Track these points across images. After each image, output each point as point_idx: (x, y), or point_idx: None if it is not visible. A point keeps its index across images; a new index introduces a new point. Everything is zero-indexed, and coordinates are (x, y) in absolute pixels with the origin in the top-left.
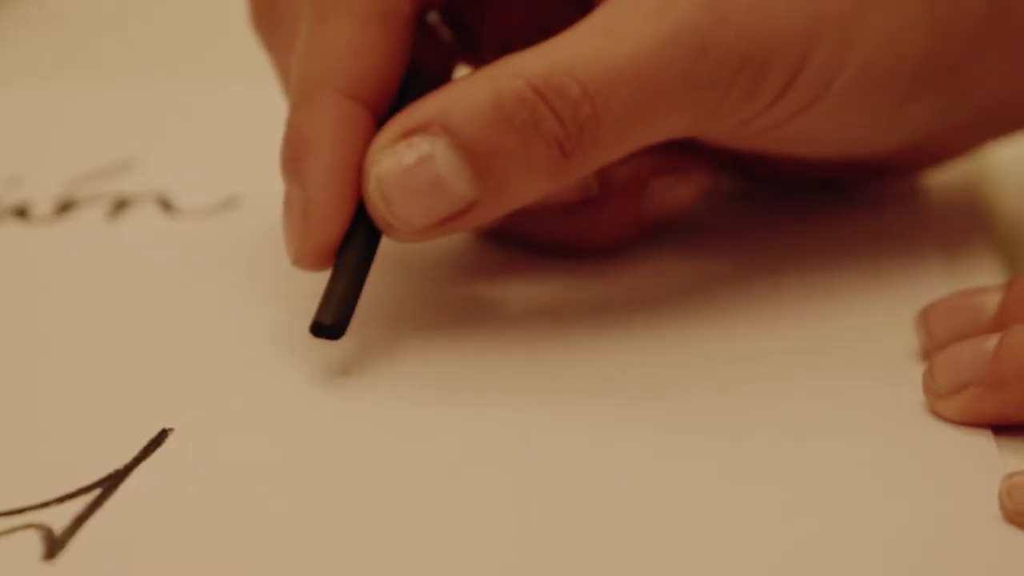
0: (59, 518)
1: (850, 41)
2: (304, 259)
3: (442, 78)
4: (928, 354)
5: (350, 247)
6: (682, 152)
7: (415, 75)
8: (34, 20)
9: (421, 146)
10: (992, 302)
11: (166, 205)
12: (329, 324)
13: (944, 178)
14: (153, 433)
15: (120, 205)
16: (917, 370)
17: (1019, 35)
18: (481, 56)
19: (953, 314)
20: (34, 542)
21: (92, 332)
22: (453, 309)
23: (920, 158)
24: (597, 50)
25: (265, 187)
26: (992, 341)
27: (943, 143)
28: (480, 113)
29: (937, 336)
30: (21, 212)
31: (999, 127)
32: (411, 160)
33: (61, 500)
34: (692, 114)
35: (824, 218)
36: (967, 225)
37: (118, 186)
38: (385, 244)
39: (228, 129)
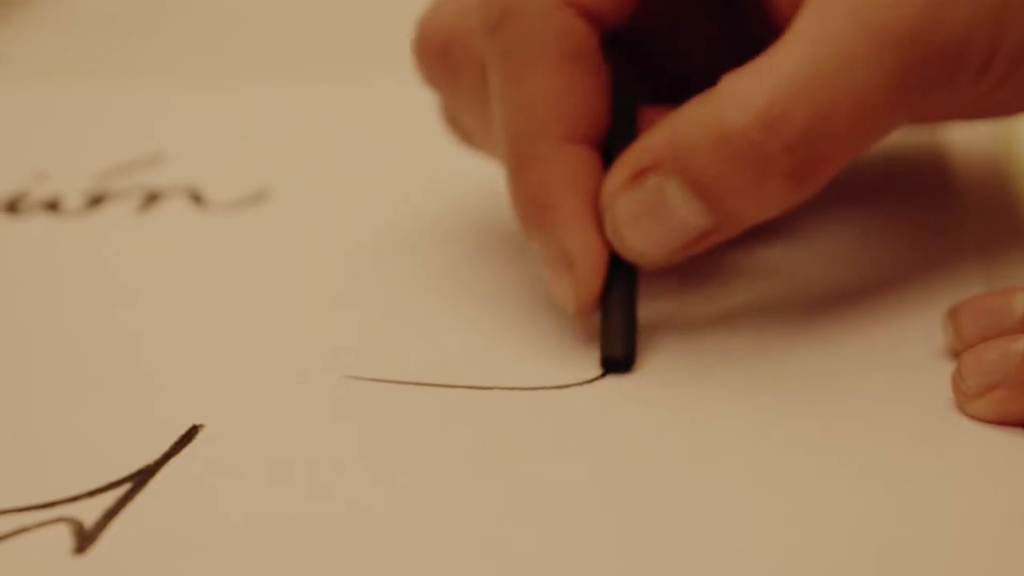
0: (90, 512)
1: None
2: (581, 309)
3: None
4: (957, 354)
5: (615, 282)
6: None
7: (621, 96)
8: (63, 16)
9: (653, 185)
10: (1021, 302)
11: (197, 198)
12: (621, 356)
13: (980, 171)
14: (183, 428)
15: (151, 198)
16: (947, 367)
17: None
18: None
19: (982, 314)
20: (65, 536)
21: (123, 326)
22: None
23: None
24: (812, 65)
25: (294, 181)
26: (1021, 342)
27: None
28: (708, 151)
29: (966, 336)
30: (52, 205)
31: None
32: (645, 200)
33: (92, 494)
34: (908, 109)
35: (858, 213)
36: (1004, 220)
37: (148, 180)
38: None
39: (257, 124)
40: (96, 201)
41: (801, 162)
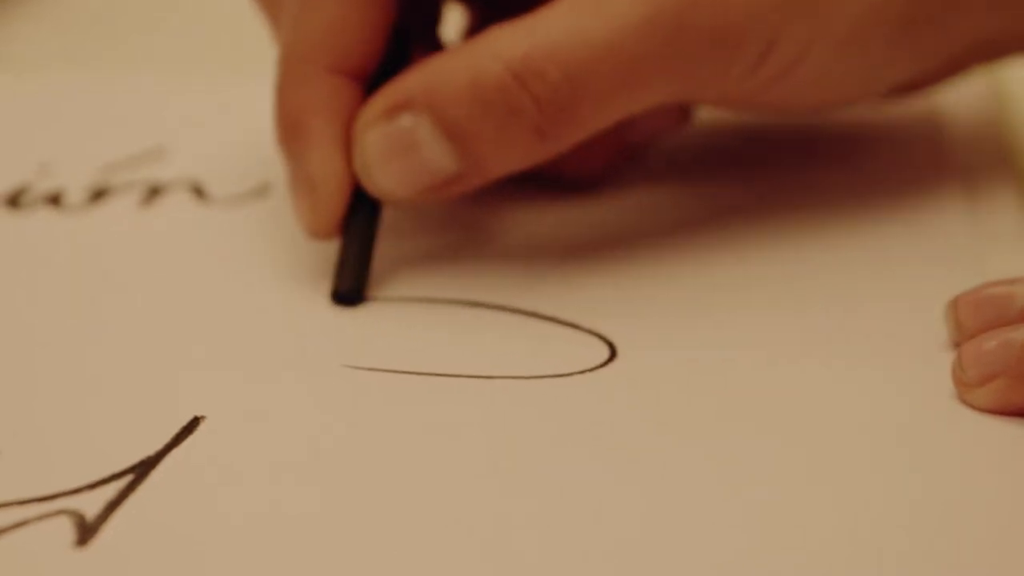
0: (91, 504)
1: (820, 16)
2: (318, 232)
3: (438, 43)
4: (957, 344)
5: (356, 215)
6: None
7: (400, 37)
8: (64, 9)
9: (404, 121)
10: (1021, 292)
11: (199, 192)
12: (347, 290)
13: (965, 115)
14: (185, 420)
15: (153, 192)
16: (948, 357)
17: None
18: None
19: (982, 304)
20: (66, 528)
21: (125, 318)
22: (461, 255)
23: (907, 92)
24: (578, 29)
25: None
26: (1021, 331)
27: (928, 79)
28: (460, 94)
29: (966, 326)
30: (54, 199)
31: (982, 60)
32: (394, 134)
33: (93, 486)
34: (669, 88)
35: (855, 203)
36: (989, 166)
37: (151, 174)
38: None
39: (259, 117)
40: (98, 195)
41: (549, 118)
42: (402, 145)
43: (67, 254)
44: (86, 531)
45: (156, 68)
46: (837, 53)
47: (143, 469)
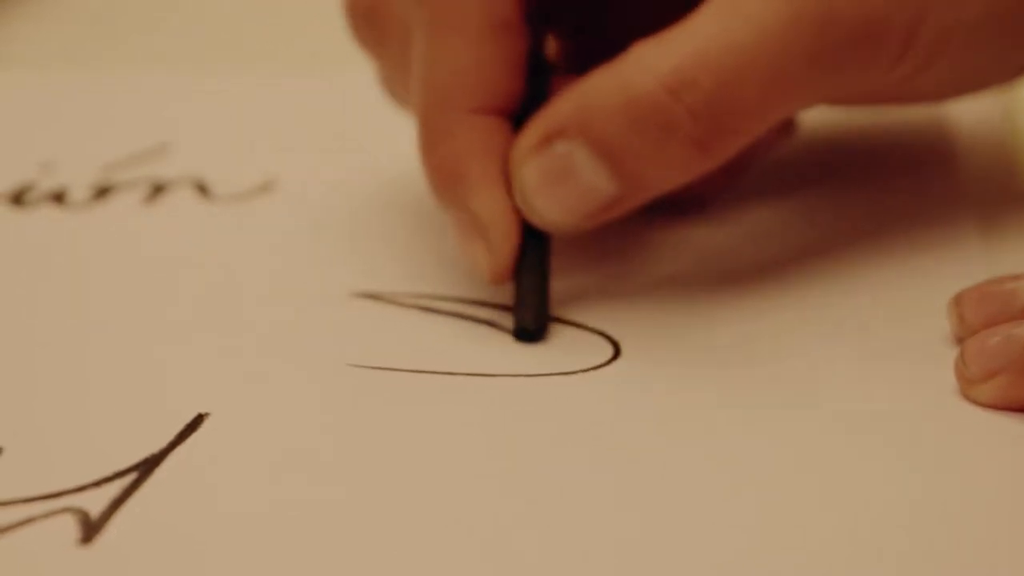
0: (96, 502)
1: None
2: (496, 276)
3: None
4: (961, 340)
5: (527, 251)
6: None
7: (538, 67)
8: (66, 7)
9: (560, 149)
10: None
11: (202, 190)
12: (534, 328)
13: (981, 144)
14: (189, 418)
15: (157, 190)
16: (951, 353)
17: None
18: (585, 47)
19: (985, 300)
20: (71, 526)
21: (129, 316)
22: None
23: None
24: (725, 36)
25: (300, 172)
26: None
27: None
28: (614, 115)
29: (969, 322)
30: (58, 197)
31: None
32: (552, 164)
33: (98, 484)
34: (821, 87)
35: (859, 194)
36: (1007, 200)
37: (154, 171)
38: None
39: (263, 114)
40: (102, 193)
41: (706, 129)
42: (560, 173)
43: (71, 252)
44: (90, 529)
45: (159, 66)
46: (976, 37)
47: (147, 467)
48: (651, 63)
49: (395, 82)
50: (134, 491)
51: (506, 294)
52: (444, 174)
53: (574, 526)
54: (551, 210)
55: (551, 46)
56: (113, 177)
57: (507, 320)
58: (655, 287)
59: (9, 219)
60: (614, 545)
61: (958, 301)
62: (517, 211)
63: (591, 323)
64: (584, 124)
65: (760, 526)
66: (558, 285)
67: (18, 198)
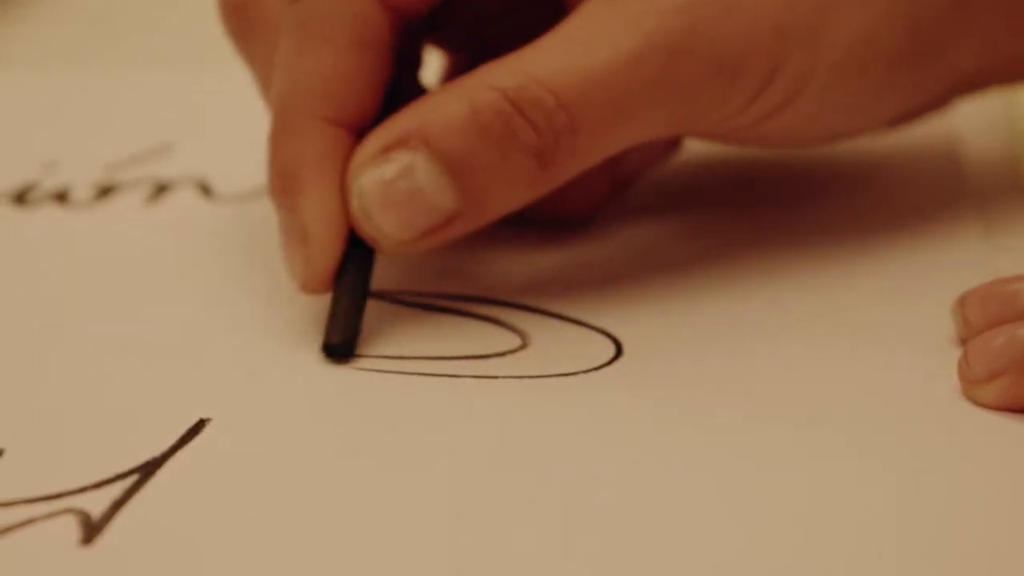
0: (97, 503)
1: (820, 45)
2: (308, 285)
3: (421, 89)
4: (964, 342)
5: (349, 266)
6: None
7: (396, 88)
8: (70, 5)
9: (401, 159)
10: None
11: (205, 190)
12: (339, 343)
13: (982, 144)
14: (191, 421)
15: (160, 190)
16: (955, 355)
17: (987, 15)
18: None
19: (989, 301)
20: (72, 527)
21: (132, 317)
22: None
23: (902, 122)
24: (571, 59)
25: None
26: None
27: (924, 108)
28: (457, 125)
29: (973, 323)
30: (61, 196)
31: (979, 88)
32: (391, 174)
33: (99, 485)
34: (666, 118)
35: (863, 199)
36: (1009, 196)
37: (157, 171)
38: None
39: (266, 114)
40: (104, 192)
41: (548, 145)
42: (399, 186)
43: (73, 251)
44: (91, 530)
45: (161, 66)
46: (836, 83)
47: (149, 469)
48: (496, 79)
49: (262, 81)
50: (135, 493)
51: (510, 293)
52: (281, 174)
53: (576, 526)
54: (387, 223)
55: (446, 63)
56: (116, 177)
57: (514, 319)
58: (657, 287)
59: (12, 219)
60: (616, 545)
61: (962, 302)
62: (344, 223)
63: (593, 322)
64: (427, 134)
65: (762, 527)
66: (558, 285)
67: (21, 198)
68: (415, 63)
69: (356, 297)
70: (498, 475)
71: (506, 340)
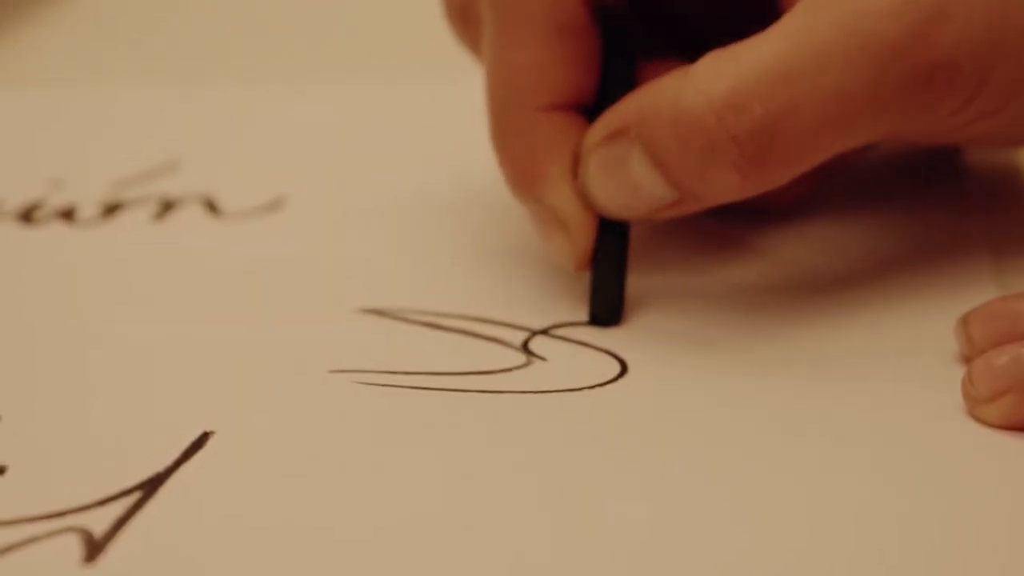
0: (99, 521)
1: None
2: (580, 263)
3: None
4: (968, 359)
5: (605, 241)
6: None
7: (619, 59)
8: (75, 22)
9: (619, 148)
10: None
11: (211, 207)
12: (606, 317)
13: (993, 173)
14: (194, 436)
15: (166, 207)
16: (959, 373)
17: None
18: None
19: (993, 319)
20: (74, 545)
21: (136, 334)
22: None
23: None
24: (782, 63)
25: (310, 188)
26: None
27: None
28: (665, 126)
29: (977, 341)
30: (67, 214)
31: None
32: (611, 160)
33: (102, 503)
34: (879, 125)
35: (870, 215)
36: (1017, 222)
37: (163, 188)
38: None
39: (272, 131)
40: (111, 210)
41: (750, 156)
42: (619, 172)
43: (79, 268)
44: (94, 548)
45: (167, 83)
46: None
47: (151, 486)
48: (705, 83)
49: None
50: (138, 510)
51: (512, 311)
52: (519, 170)
53: (579, 542)
54: (610, 204)
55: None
56: (122, 194)
57: (513, 337)
58: (663, 305)
59: (18, 236)
60: (619, 560)
61: (966, 321)
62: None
63: (597, 342)
64: (641, 128)
65: (765, 545)
66: (565, 304)
67: (27, 215)
68: (633, 42)
69: (616, 270)
70: (502, 488)
71: (510, 357)
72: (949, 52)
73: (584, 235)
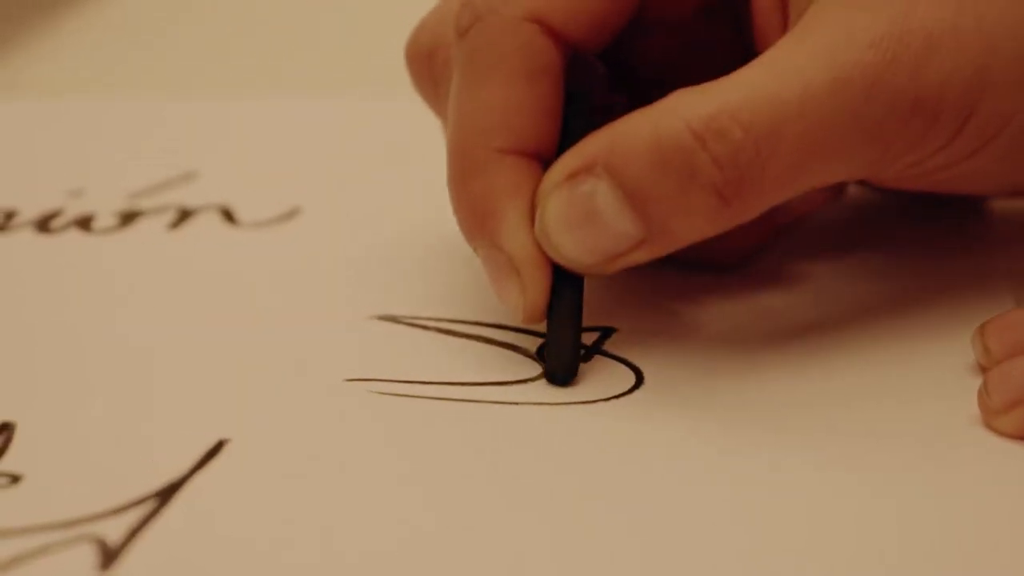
0: (114, 530)
1: (1021, 86)
2: (532, 316)
3: (597, 101)
4: (984, 369)
5: (560, 293)
6: None
7: (574, 102)
8: (93, 32)
9: (584, 186)
10: None
11: (228, 216)
12: (562, 375)
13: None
14: (209, 444)
15: (183, 216)
16: (975, 383)
17: None
18: (637, 90)
19: (1010, 330)
20: (89, 554)
21: (152, 341)
22: None
23: None
24: (763, 91)
25: (326, 198)
26: None
27: None
28: (639, 153)
29: (993, 352)
30: (85, 223)
31: None
32: (575, 201)
33: (117, 511)
34: (860, 159)
35: (887, 229)
36: None
37: (181, 198)
38: None
39: (289, 141)
40: (128, 219)
41: (730, 181)
42: (584, 211)
43: (95, 276)
44: (108, 557)
45: (185, 93)
46: None
47: (166, 494)
48: (684, 109)
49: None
50: (153, 518)
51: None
52: (474, 212)
53: (593, 555)
54: (572, 248)
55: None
56: (140, 204)
57: (529, 344)
58: (678, 319)
59: (36, 244)
60: (636, 573)
61: (983, 331)
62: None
63: (613, 351)
64: (610, 162)
65: (780, 557)
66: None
67: (45, 224)
68: (598, 86)
69: (572, 324)
70: (518, 500)
71: (525, 365)
72: (934, 86)
73: (537, 284)
